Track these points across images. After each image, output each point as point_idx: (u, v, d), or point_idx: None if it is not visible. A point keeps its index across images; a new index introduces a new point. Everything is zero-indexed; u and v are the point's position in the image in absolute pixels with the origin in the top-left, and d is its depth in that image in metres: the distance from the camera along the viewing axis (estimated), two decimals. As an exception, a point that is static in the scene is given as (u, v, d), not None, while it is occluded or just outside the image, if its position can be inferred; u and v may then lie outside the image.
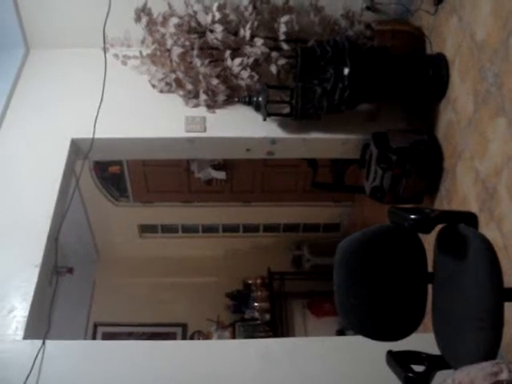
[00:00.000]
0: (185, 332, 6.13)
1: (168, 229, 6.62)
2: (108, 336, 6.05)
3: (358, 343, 2.72)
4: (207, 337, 5.78)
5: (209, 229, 6.57)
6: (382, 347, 2.11)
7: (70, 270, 5.20)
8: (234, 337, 5.77)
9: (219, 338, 5.75)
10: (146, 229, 6.64)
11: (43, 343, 2.79)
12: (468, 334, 1.92)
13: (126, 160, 5.68)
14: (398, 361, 2.09)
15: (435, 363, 2.08)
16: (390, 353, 2.14)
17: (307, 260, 6.33)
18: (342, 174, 4.55)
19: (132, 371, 2.82)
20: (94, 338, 6.02)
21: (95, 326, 6.17)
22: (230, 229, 6.60)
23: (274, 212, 6.27)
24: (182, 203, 6.22)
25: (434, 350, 2.09)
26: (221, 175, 5.62)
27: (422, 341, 2.18)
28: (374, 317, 2.26)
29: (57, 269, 3.59)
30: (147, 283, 6.33)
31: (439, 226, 2.08)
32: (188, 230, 6.54)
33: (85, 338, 5.87)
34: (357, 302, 2.25)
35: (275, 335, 5.72)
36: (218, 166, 5.56)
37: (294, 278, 6.19)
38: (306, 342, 3.06)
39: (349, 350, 2.84)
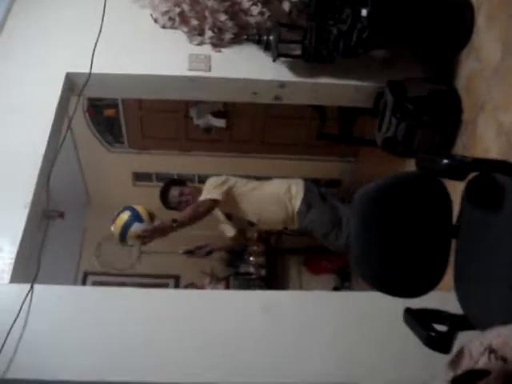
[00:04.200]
0: (177, 284, 5.99)
1: (163, 178, 6.34)
2: (98, 285, 5.89)
3: (369, 298, 2.57)
4: (201, 290, 5.63)
5: (205, 179, 6.30)
6: (395, 304, 1.97)
7: (62, 215, 5.03)
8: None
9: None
10: (139, 177, 6.43)
11: (31, 287, 2.60)
12: (498, 293, 1.75)
13: (122, 103, 5.43)
14: (417, 319, 1.93)
15: (457, 323, 1.92)
16: (408, 311, 1.99)
17: (305, 215, 6.15)
18: (350, 125, 4.35)
19: (125, 320, 2.65)
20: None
21: (85, 274, 6.01)
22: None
23: (274, 164, 6.04)
24: (178, 151, 5.98)
25: (452, 309, 1.92)
26: (220, 123, 5.38)
27: (440, 299, 2.02)
28: (392, 270, 2.10)
29: (47, 212, 3.40)
30: (140, 234, 6.14)
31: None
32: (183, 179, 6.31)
33: (74, 287, 5.71)
34: (374, 253, 2.10)
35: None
36: (218, 113, 5.32)
37: (291, 234, 6.00)
38: (312, 295, 2.88)
39: (359, 306, 2.66)
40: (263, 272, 5.67)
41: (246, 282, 5.66)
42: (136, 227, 3.34)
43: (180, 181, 4.07)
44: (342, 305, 2.69)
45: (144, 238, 3.36)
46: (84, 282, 5.96)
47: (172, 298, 2.89)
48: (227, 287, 5.67)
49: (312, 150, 5.89)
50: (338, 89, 3.61)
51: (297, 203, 3.71)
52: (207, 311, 2.67)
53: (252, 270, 5.70)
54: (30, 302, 2.58)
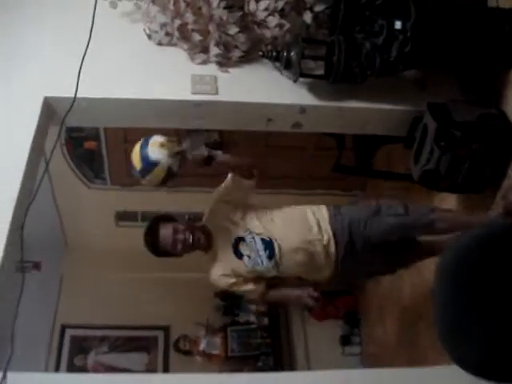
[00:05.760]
0: (167, 336, 5.37)
1: (149, 217, 5.72)
2: (77, 340, 5.26)
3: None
4: (195, 342, 5.01)
5: (197, 218, 5.71)
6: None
7: (37, 266, 4.40)
8: (225, 343, 5.01)
9: (209, 344, 5.00)
10: (123, 216, 5.82)
11: (4, 376, 1.97)
12: None
13: (105, 134, 4.84)
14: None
15: None
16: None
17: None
18: (371, 155, 3.82)
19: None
20: (61, 342, 5.23)
21: (63, 328, 5.34)
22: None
23: (273, 199, 5.46)
24: (167, 188, 5.37)
25: None
26: (217, 156, 4.81)
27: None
28: (499, 349, 1.54)
29: (22, 264, 2.81)
30: (124, 279, 5.54)
31: None
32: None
33: (50, 343, 5.06)
34: (474, 325, 1.53)
35: (273, 342, 4.99)
36: (213, 144, 4.75)
37: (293, 277, 5.44)
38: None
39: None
40: (265, 321, 5.06)
41: (246, 333, 5.05)
42: (155, 138, 2.66)
43: (168, 217, 3.07)
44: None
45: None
46: (62, 337, 5.28)
47: None
48: (225, 339, 5.05)
49: (314, 184, 5.35)
50: (367, 114, 3.09)
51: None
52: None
53: (253, 318, 5.10)
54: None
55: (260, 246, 2.75)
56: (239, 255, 2.78)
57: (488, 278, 1.50)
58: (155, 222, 2.94)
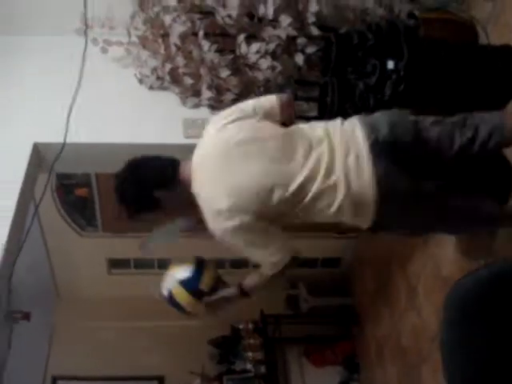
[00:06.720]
0: (162, 387, 5.19)
1: (142, 264, 5.67)
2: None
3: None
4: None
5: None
6: None
7: (27, 316, 4.27)
8: (222, 393, 4.85)
9: (204, 394, 4.83)
10: (116, 264, 5.69)
11: None
12: None
13: (96, 180, 4.78)
14: None
15: None
16: None
17: (304, 300, 5.45)
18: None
19: None
20: (52, 395, 5.03)
21: (54, 379, 5.18)
22: (215, 264, 5.66)
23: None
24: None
25: None
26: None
27: None
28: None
29: (10, 314, 2.73)
30: (116, 328, 5.41)
31: None
32: (165, 265, 5.53)
33: (41, 396, 4.88)
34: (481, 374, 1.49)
35: (272, 391, 4.84)
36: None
37: (290, 322, 5.31)
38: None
39: None
40: (263, 369, 4.91)
41: (243, 382, 4.90)
42: None
43: None
44: None
45: None
46: (53, 389, 5.11)
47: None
48: (221, 388, 4.90)
49: (308, 225, 5.25)
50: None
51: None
52: None
53: (249, 366, 4.95)
54: None
55: None
56: None
57: (495, 318, 1.46)
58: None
